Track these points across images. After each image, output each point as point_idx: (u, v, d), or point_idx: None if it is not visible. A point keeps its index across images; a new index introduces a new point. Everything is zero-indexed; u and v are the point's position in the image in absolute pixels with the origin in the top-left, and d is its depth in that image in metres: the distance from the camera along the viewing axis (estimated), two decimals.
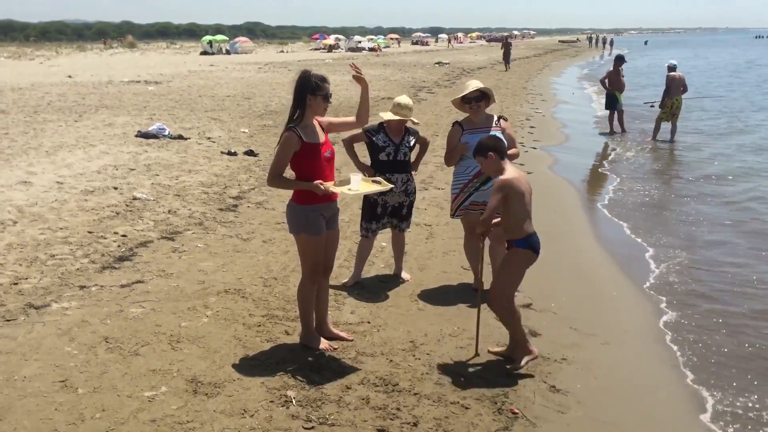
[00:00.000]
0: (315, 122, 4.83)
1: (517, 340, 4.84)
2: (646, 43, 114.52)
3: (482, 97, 6.01)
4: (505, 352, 4.97)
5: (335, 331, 5.21)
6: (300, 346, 5.00)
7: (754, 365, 5.24)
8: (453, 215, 6.30)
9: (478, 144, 4.84)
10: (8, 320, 5.26)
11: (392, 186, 5.21)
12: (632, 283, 6.89)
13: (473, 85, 6.06)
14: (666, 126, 15.92)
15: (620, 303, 6.38)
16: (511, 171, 4.71)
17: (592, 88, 28.45)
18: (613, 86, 16.74)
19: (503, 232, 4.84)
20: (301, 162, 4.68)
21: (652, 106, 18.94)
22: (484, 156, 4.78)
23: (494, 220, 4.78)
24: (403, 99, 6.12)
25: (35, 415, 4.02)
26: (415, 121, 6.29)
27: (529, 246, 4.72)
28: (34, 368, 4.56)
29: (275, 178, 4.69)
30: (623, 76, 16.92)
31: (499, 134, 5.86)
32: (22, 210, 8.05)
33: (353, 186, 4.78)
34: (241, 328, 5.27)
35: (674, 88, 15.58)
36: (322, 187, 4.56)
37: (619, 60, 16.97)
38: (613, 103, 16.88)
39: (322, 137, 4.81)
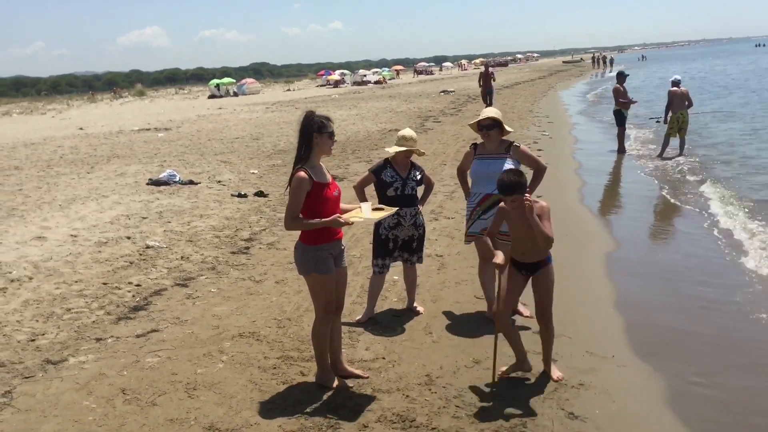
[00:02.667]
0: (321, 163, 4.90)
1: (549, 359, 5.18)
2: (643, 57, 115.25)
3: (493, 125, 6.06)
4: (516, 366, 5.16)
5: (350, 368, 5.21)
6: (316, 386, 5.00)
7: None
8: (466, 242, 6.46)
9: (500, 183, 4.86)
10: (26, 377, 5.31)
11: (397, 208, 5.39)
12: (647, 304, 6.83)
13: (486, 112, 6.14)
14: (675, 142, 15.89)
15: (635, 324, 6.32)
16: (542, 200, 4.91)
17: (599, 107, 28.53)
18: (620, 103, 16.76)
19: (526, 255, 5.00)
20: (311, 202, 4.73)
21: (657, 122, 18.94)
22: (511, 198, 4.81)
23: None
24: (407, 132, 6.22)
25: None
26: (421, 151, 6.34)
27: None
28: (53, 425, 4.59)
29: (292, 221, 4.72)
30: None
31: (509, 163, 5.93)
32: (38, 265, 8.15)
33: (365, 213, 4.89)
34: (256, 372, 5.28)
35: (676, 102, 15.58)
36: (341, 219, 4.65)
37: (621, 76, 17.01)
38: (622, 120, 16.87)
39: (329, 177, 4.88)
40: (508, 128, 6.16)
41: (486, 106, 25.39)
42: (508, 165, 5.89)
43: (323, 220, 4.68)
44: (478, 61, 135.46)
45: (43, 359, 5.62)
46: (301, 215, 4.74)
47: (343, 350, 5.32)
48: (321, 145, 4.78)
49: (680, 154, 15.61)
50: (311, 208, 4.74)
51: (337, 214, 4.71)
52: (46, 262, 8.29)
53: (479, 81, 27.44)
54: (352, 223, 4.81)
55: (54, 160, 18.22)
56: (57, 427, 4.55)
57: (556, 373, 5.09)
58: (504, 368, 5.14)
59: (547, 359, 5.15)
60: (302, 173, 4.70)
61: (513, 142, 6.16)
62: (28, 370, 5.44)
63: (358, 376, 5.14)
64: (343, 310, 5.23)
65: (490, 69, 27.68)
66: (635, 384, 5.07)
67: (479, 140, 6.30)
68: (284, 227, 4.86)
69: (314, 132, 4.75)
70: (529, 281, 5.09)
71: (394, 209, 5.24)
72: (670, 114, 15.70)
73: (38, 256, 8.53)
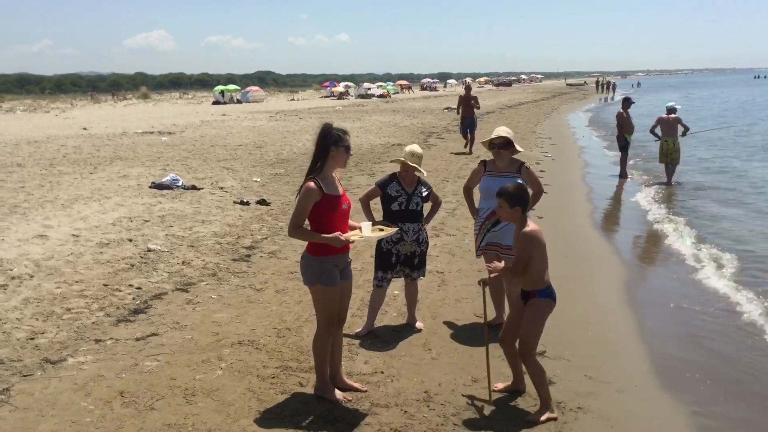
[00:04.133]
0: (334, 175, 4.93)
1: (543, 398, 4.81)
2: (638, 85, 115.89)
3: (506, 144, 6.18)
4: (512, 386, 5.15)
5: (349, 381, 5.21)
6: (314, 397, 5.00)
7: None
8: (477, 255, 6.60)
9: (506, 192, 4.82)
10: (25, 376, 5.30)
11: (397, 228, 5.29)
12: (646, 330, 6.84)
13: (498, 131, 6.24)
14: (679, 168, 15.99)
15: (632, 348, 6.33)
16: (533, 223, 4.80)
17: (601, 132, 28.69)
18: (623, 129, 16.83)
19: (524, 281, 4.86)
20: (319, 213, 4.76)
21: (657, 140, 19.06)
22: (510, 207, 4.78)
23: (494, 274, 4.90)
24: (412, 147, 6.30)
25: None
26: (421, 170, 6.32)
27: (549, 295, 4.82)
28: (50, 425, 4.58)
29: (295, 229, 4.75)
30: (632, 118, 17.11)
31: (519, 181, 6.04)
32: (39, 264, 8.16)
33: (365, 233, 4.93)
34: (255, 381, 5.28)
35: (663, 129, 15.70)
36: (342, 237, 4.67)
37: (627, 102, 17.11)
38: (625, 145, 16.94)
39: (340, 189, 4.92)
40: (519, 148, 6.30)
41: (465, 141, 20.95)
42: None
43: (324, 235, 4.70)
44: (482, 79, 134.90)
45: (42, 358, 5.62)
46: (307, 223, 4.77)
47: (342, 363, 5.33)
48: (336, 158, 4.82)
49: (668, 182, 15.64)
50: (319, 219, 4.77)
51: (338, 232, 4.71)
52: (47, 261, 8.29)
53: (457, 109, 22.02)
54: (353, 242, 4.85)
55: (57, 159, 18.23)
56: (54, 427, 4.54)
57: (547, 413, 4.77)
58: (500, 385, 5.19)
59: (542, 396, 4.81)
60: (312, 183, 4.73)
61: (524, 163, 6.30)
62: (27, 368, 5.43)
63: (356, 390, 5.14)
64: (345, 323, 5.25)
65: (472, 92, 21.80)
66: (634, 410, 5.07)
67: (489, 157, 6.42)
68: (287, 233, 4.90)
69: (331, 145, 4.79)
70: None
71: (395, 229, 5.30)
72: (660, 140, 15.83)
73: (39, 255, 8.53)
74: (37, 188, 13.39)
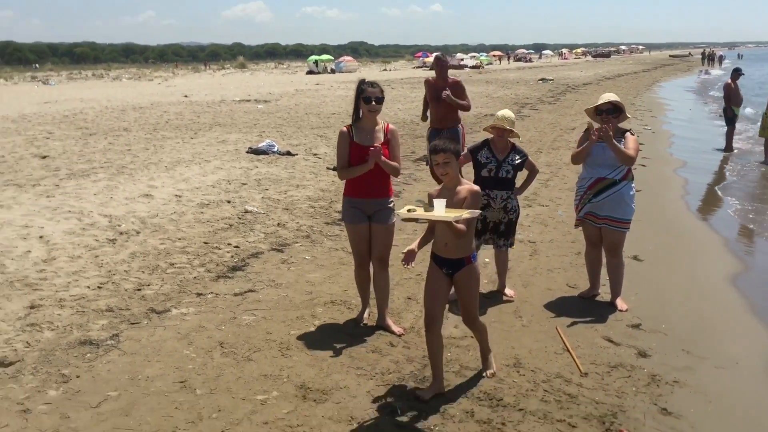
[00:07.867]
0: (378, 127, 5.34)
1: (487, 354, 4.96)
2: (740, 56, 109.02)
3: (614, 110, 5.99)
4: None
5: (389, 322, 5.60)
6: (404, 357, 5.08)
7: None
8: (575, 226, 6.58)
9: (447, 147, 4.41)
10: (133, 323, 5.62)
11: (478, 212, 4.52)
12: (750, 307, 6.55)
13: (606, 97, 6.06)
14: None
15: (735, 325, 6.09)
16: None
17: (709, 104, 27.38)
18: (730, 101, 16.05)
19: (449, 248, 4.44)
20: (349, 159, 5.28)
21: None
22: (457, 158, 4.46)
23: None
24: (502, 111, 6.23)
25: (157, 412, 4.29)
26: (515, 132, 6.19)
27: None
28: (156, 369, 4.85)
29: (341, 171, 5.42)
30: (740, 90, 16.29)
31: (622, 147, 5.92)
32: (145, 221, 8.57)
33: (437, 211, 4.24)
34: (347, 338, 5.40)
35: None
36: (400, 213, 4.46)
37: (736, 73, 16.28)
38: (732, 118, 16.15)
39: (377, 141, 5.27)
40: (627, 114, 6.12)
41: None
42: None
43: (362, 166, 5.25)
44: (579, 50, 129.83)
45: (148, 308, 5.94)
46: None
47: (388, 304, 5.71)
48: (363, 110, 5.28)
49: (765, 160, 14.72)
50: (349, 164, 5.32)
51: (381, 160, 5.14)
52: (152, 219, 8.71)
53: (423, 111, 11.13)
54: (411, 218, 4.39)
55: (160, 124, 19.00)
56: (159, 372, 4.81)
57: (493, 367, 4.88)
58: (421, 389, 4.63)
59: (484, 356, 4.91)
60: (344, 128, 5.31)
61: (628, 130, 6.10)
62: (134, 317, 5.76)
63: (391, 332, 5.50)
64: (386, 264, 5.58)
65: (451, 76, 10.83)
66: (733, 387, 4.88)
67: (595, 125, 6.23)
68: (339, 178, 5.52)
69: (358, 99, 5.28)
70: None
71: (477, 212, 4.47)
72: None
73: (145, 213, 8.97)
74: (142, 151, 14.02)
